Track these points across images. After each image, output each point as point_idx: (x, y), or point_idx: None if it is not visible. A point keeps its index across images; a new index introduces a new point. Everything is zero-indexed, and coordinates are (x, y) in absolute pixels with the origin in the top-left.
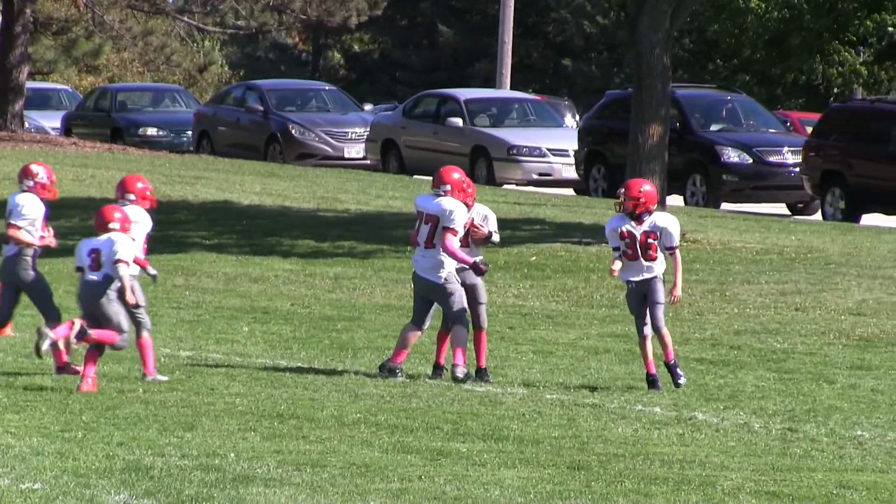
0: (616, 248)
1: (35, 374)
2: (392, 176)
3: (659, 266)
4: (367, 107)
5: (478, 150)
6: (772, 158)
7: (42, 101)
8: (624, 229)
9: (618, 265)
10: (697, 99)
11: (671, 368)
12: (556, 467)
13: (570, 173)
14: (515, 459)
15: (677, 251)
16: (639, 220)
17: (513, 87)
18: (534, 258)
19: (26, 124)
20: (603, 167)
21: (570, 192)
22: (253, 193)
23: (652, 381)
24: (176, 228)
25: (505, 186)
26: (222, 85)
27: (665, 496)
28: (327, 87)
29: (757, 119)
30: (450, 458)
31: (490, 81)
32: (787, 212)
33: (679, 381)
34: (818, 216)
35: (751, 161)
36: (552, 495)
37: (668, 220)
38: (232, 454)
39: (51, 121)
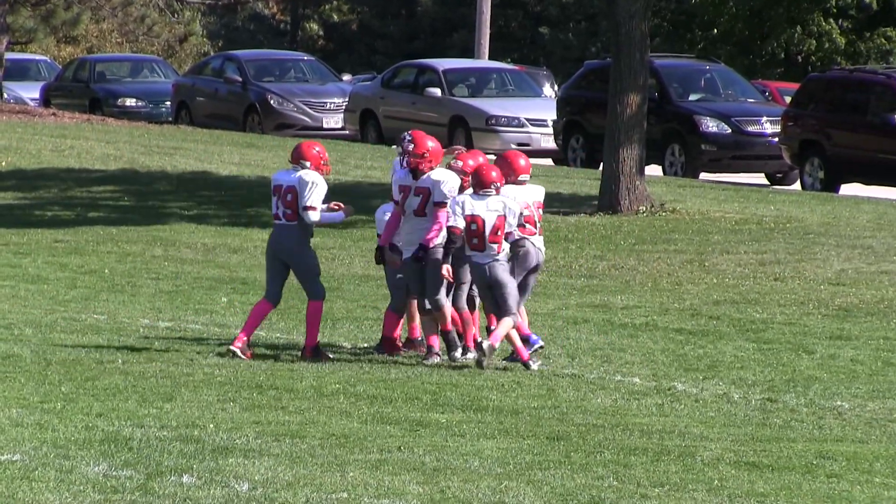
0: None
1: (14, 344)
2: (370, 146)
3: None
4: (346, 77)
5: (456, 120)
6: (750, 128)
7: (21, 71)
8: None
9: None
10: (676, 69)
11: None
12: (535, 438)
13: (549, 143)
14: (495, 430)
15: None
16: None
17: (491, 57)
18: None
19: (5, 95)
20: (581, 137)
21: (548, 161)
22: (232, 164)
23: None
24: (155, 199)
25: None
26: (201, 56)
27: (644, 466)
28: (306, 58)
29: (735, 89)
30: (429, 429)
31: (468, 51)
32: (765, 182)
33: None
34: (797, 186)
35: (729, 131)
36: (531, 466)
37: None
38: (211, 425)
39: (30, 91)
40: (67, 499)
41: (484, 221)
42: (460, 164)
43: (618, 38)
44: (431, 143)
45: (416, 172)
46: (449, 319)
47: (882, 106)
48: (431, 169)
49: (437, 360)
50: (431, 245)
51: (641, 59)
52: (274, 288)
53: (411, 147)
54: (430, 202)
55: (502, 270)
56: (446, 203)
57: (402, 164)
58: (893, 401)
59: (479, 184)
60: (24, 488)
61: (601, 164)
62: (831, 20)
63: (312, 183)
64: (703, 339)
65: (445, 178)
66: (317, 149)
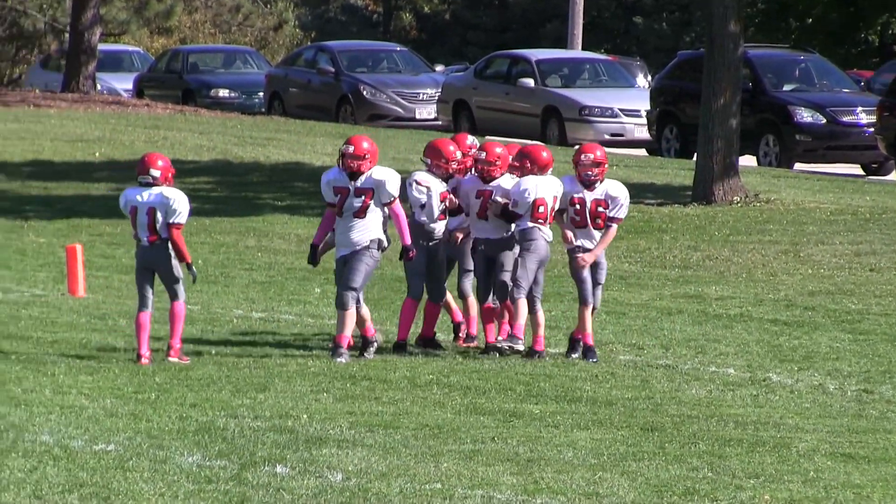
0: (561, 211)
1: (108, 335)
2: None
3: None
4: (439, 68)
5: (549, 111)
6: (845, 118)
7: (114, 63)
8: (576, 195)
9: (573, 240)
10: (770, 59)
11: (574, 344)
12: (629, 429)
13: (642, 133)
14: (589, 421)
15: (616, 225)
16: (590, 186)
17: (584, 48)
18: None
19: (98, 86)
20: (675, 127)
21: (642, 152)
22: (325, 155)
23: (587, 350)
24: (248, 190)
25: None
26: (294, 47)
27: (739, 457)
28: (398, 49)
29: (830, 79)
30: (523, 420)
31: (561, 42)
32: (860, 172)
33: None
34: (893, 176)
35: (824, 121)
36: (625, 457)
37: (619, 189)
38: (305, 415)
39: (123, 83)
40: (162, 489)
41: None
42: (484, 154)
43: (711, 29)
44: (367, 144)
45: (354, 174)
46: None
47: None
48: (369, 169)
49: (343, 359)
50: (408, 243)
51: (735, 49)
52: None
53: (351, 149)
54: (373, 202)
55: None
56: (396, 198)
57: (339, 166)
58: None
59: (539, 167)
60: (118, 478)
61: (695, 154)
62: None
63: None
64: (798, 329)
65: (389, 177)
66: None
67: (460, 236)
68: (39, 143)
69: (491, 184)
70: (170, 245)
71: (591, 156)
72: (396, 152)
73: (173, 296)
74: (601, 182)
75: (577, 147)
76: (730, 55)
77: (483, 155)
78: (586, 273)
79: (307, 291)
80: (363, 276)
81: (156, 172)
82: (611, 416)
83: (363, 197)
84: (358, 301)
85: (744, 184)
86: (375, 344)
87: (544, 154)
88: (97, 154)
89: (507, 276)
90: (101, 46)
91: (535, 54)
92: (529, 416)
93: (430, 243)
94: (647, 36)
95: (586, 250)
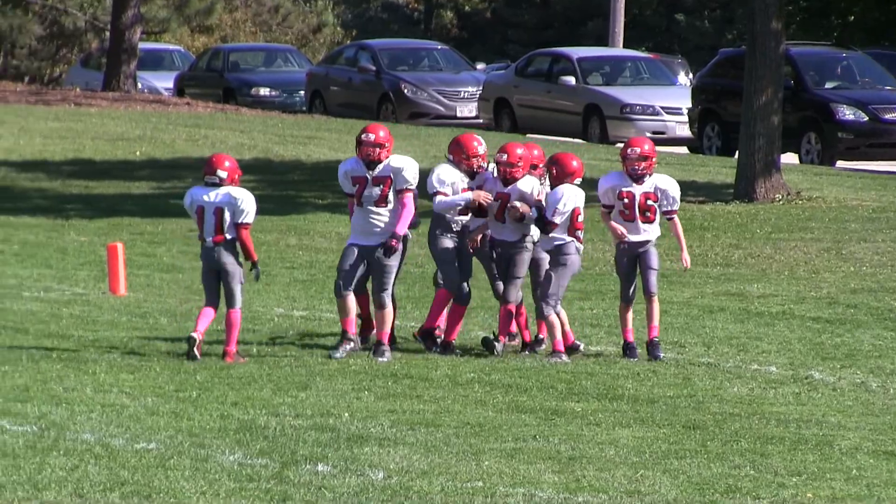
0: (607, 207)
1: (149, 333)
2: (504, 135)
3: (656, 230)
4: (480, 66)
5: (591, 109)
6: (888, 116)
7: (155, 61)
8: (624, 189)
9: (626, 236)
10: (812, 56)
11: (652, 346)
12: (671, 427)
13: (684, 131)
14: (630, 419)
15: (676, 217)
16: (639, 180)
17: (625, 46)
18: None
19: (139, 85)
20: (717, 125)
21: (683, 150)
22: None
23: (629, 348)
24: (289, 189)
25: (618, 145)
26: (334, 45)
27: (781, 455)
28: (439, 47)
29: (873, 76)
30: (564, 418)
31: (602, 40)
32: None
33: (658, 356)
34: None
35: (866, 119)
36: (667, 455)
37: (669, 182)
38: (346, 414)
39: (163, 81)
40: (203, 487)
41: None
42: (505, 156)
43: (753, 27)
44: (384, 132)
45: (372, 163)
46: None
47: None
48: (387, 157)
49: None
50: (403, 233)
51: (777, 47)
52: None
53: (372, 138)
54: (391, 190)
55: None
56: (412, 188)
57: (358, 155)
58: None
59: (566, 174)
60: (159, 476)
61: (736, 152)
62: None
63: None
64: (841, 327)
65: (406, 164)
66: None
67: (478, 238)
68: (80, 142)
69: (508, 187)
70: (236, 245)
71: (638, 149)
72: (437, 150)
73: (231, 302)
74: (650, 176)
75: (625, 141)
76: (771, 53)
77: (504, 157)
78: (629, 269)
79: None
80: (394, 274)
81: (222, 173)
82: (653, 414)
83: (381, 185)
84: (347, 291)
85: (785, 181)
86: (352, 344)
87: (574, 163)
88: (138, 153)
89: (518, 282)
90: (142, 45)
91: (577, 52)
92: (571, 414)
93: (454, 235)
94: (689, 34)
95: (633, 244)
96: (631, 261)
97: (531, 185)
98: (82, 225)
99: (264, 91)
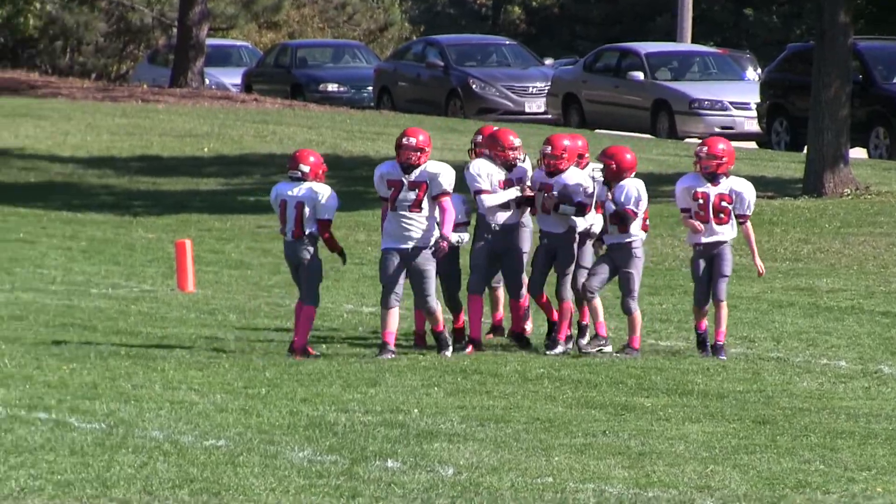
0: (685, 210)
1: (218, 331)
2: (573, 130)
3: (730, 232)
4: (548, 61)
5: (659, 104)
6: None
7: (222, 57)
8: (699, 190)
9: (701, 227)
10: (880, 51)
11: (717, 349)
12: (741, 421)
13: (753, 126)
14: (700, 414)
15: (748, 223)
16: (714, 180)
17: (693, 41)
18: None
19: (207, 81)
20: (785, 120)
21: (752, 145)
22: (434, 149)
23: (702, 340)
24: (357, 184)
25: (686, 140)
26: (402, 41)
27: (851, 450)
28: (507, 42)
29: None
30: (634, 413)
31: (670, 35)
32: None
33: (721, 358)
34: None
35: None
36: (737, 449)
37: (745, 185)
38: (415, 410)
39: (231, 77)
40: (272, 484)
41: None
42: (549, 148)
43: (821, 22)
44: (424, 137)
45: (409, 167)
46: (441, 320)
47: None
48: (425, 162)
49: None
50: (448, 234)
51: (845, 41)
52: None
53: (413, 142)
54: (426, 196)
55: None
56: (449, 193)
57: (397, 159)
58: None
59: (624, 168)
60: (229, 473)
61: (805, 147)
62: None
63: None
64: None
65: (443, 170)
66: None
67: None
68: (148, 139)
69: (553, 178)
70: (316, 241)
71: (706, 148)
72: None
73: (307, 298)
74: (726, 177)
75: (700, 139)
76: (839, 47)
77: (549, 148)
78: (702, 273)
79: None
80: (434, 279)
81: (305, 168)
82: (722, 409)
83: (417, 190)
84: (395, 303)
85: (854, 176)
86: (391, 355)
87: (629, 156)
88: (206, 149)
89: (569, 277)
90: (209, 41)
91: (645, 47)
92: (641, 410)
93: (489, 236)
94: (757, 29)
95: (707, 245)
96: (706, 263)
97: (578, 177)
98: (150, 222)
99: (332, 87)
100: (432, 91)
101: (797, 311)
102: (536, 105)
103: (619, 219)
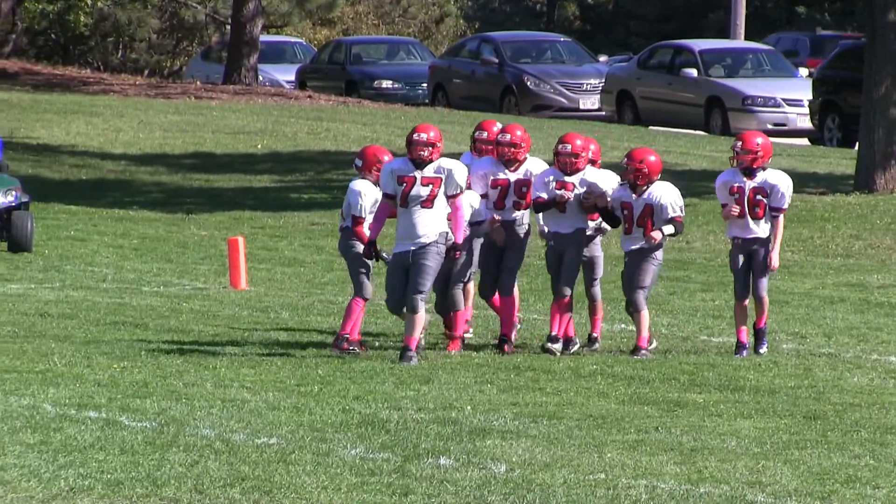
0: (725, 206)
1: (270, 329)
2: (627, 127)
3: (767, 227)
4: (602, 58)
5: (712, 101)
6: None
7: (276, 54)
8: (735, 184)
9: (736, 209)
10: None
11: (759, 334)
12: (792, 417)
13: (805, 123)
14: (752, 410)
15: (782, 216)
16: (751, 175)
17: (747, 38)
18: None
19: (260, 78)
20: (837, 117)
21: (804, 141)
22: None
23: (739, 346)
24: None
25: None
26: (457, 38)
27: None
28: (562, 39)
29: None
30: (686, 409)
31: (724, 32)
32: None
33: (760, 350)
34: None
35: None
36: (788, 445)
37: (780, 177)
38: (468, 407)
39: (285, 74)
40: (324, 482)
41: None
42: (568, 147)
43: (873, 20)
44: (434, 133)
45: (421, 163)
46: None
47: None
48: (437, 157)
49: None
50: (461, 241)
51: None
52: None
53: (424, 137)
54: (440, 191)
55: None
56: (462, 191)
57: (409, 156)
58: None
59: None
60: (280, 471)
61: (857, 143)
62: None
63: None
64: None
65: (457, 167)
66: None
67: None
68: (201, 136)
69: (573, 176)
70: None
71: (741, 143)
72: None
73: (355, 289)
74: (763, 170)
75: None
76: (891, 44)
77: (568, 147)
78: (741, 267)
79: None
80: (432, 276)
81: (359, 161)
82: (773, 405)
83: (431, 186)
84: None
85: None
86: (414, 360)
87: (652, 157)
88: (259, 146)
89: (572, 275)
90: (263, 38)
91: (698, 44)
92: (693, 406)
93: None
94: (810, 26)
95: (745, 241)
96: (745, 258)
97: (598, 176)
98: (203, 219)
99: (387, 84)
100: (487, 88)
101: (848, 307)
102: (591, 102)
103: (610, 220)
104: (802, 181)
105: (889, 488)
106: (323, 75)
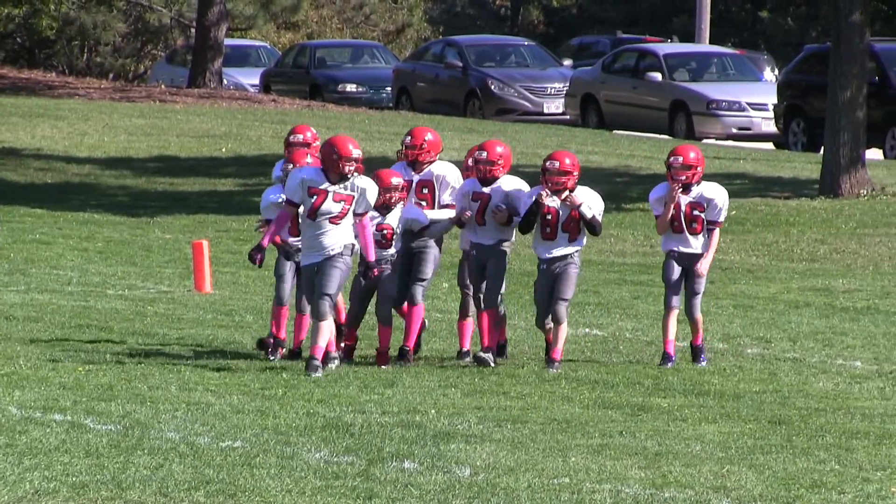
0: (658, 216)
1: (235, 331)
2: (591, 131)
3: (705, 243)
4: (566, 62)
5: (677, 105)
6: None
7: (240, 58)
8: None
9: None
10: None
11: (696, 351)
12: (756, 422)
13: (770, 127)
14: (716, 414)
15: (718, 229)
16: (686, 189)
17: (711, 42)
18: (733, 212)
19: (225, 81)
20: (802, 121)
21: (769, 146)
22: (452, 149)
23: (666, 357)
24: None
25: (704, 141)
26: (421, 41)
27: (866, 450)
28: (526, 43)
29: None
30: (651, 414)
31: (688, 36)
32: None
33: (701, 363)
34: None
35: None
36: (753, 450)
37: (716, 191)
38: (433, 410)
39: (249, 78)
40: (289, 485)
41: None
42: (485, 154)
43: (838, 24)
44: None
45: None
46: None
47: None
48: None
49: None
50: (373, 259)
51: (861, 41)
52: None
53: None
54: (350, 210)
55: None
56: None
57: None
58: None
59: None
60: (245, 475)
61: (822, 148)
62: None
63: None
64: None
65: (369, 185)
66: None
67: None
68: (165, 139)
69: (489, 187)
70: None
71: (681, 158)
72: (525, 147)
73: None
74: (697, 185)
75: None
76: (856, 48)
77: (484, 154)
78: (675, 278)
79: (435, 286)
80: (338, 280)
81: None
82: (738, 410)
83: (343, 203)
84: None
85: (870, 177)
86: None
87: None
88: (224, 150)
89: (498, 286)
90: (228, 41)
91: (663, 48)
92: (657, 410)
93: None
94: (774, 30)
95: (682, 255)
96: (680, 270)
97: (515, 183)
98: (167, 222)
99: (351, 87)
100: (451, 91)
101: (813, 312)
102: (555, 106)
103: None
104: (767, 185)
105: (854, 493)
106: (287, 79)
